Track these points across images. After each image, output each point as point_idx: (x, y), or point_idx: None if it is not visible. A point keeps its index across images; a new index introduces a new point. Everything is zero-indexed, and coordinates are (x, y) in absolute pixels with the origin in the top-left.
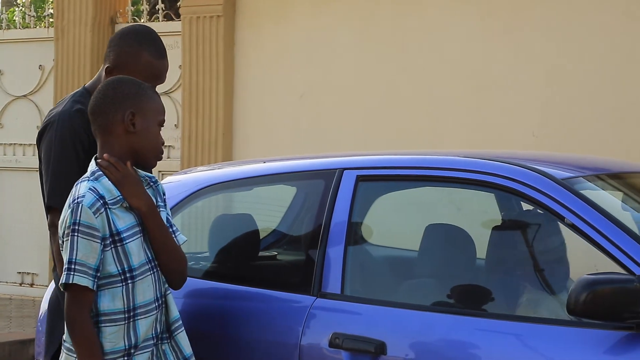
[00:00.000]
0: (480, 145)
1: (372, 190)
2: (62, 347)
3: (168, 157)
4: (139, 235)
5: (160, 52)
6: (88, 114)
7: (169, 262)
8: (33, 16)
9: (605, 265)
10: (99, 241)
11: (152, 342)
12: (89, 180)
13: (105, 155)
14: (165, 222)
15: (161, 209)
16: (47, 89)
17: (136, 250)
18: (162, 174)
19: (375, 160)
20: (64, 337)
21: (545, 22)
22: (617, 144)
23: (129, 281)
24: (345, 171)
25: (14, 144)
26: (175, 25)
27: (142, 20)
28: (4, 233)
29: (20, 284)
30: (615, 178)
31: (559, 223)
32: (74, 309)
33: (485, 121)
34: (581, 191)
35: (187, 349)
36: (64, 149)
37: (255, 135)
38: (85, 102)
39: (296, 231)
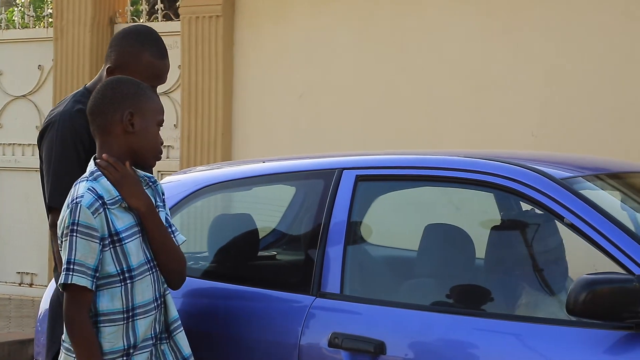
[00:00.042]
0: (479, 145)
1: (371, 190)
2: (62, 347)
3: (167, 157)
4: (138, 235)
5: (161, 52)
6: (87, 114)
7: (168, 262)
8: (32, 16)
9: (605, 265)
10: (98, 241)
11: (151, 342)
12: (87, 180)
13: (104, 155)
14: (164, 222)
15: (160, 209)
16: (46, 89)
17: (135, 251)
18: (161, 174)
19: (374, 160)
20: (63, 337)
21: (544, 22)
22: (617, 144)
23: (128, 281)
24: (344, 171)
25: (13, 144)
26: (174, 25)
27: (141, 20)
28: (3, 233)
29: (20, 284)
30: (614, 178)
31: (558, 223)
32: (73, 309)
33: (484, 121)
34: (580, 191)
35: (186, 349)
36: (64, 149)
37: (254, 135)
38: (87, 102)
39: (295, 231)
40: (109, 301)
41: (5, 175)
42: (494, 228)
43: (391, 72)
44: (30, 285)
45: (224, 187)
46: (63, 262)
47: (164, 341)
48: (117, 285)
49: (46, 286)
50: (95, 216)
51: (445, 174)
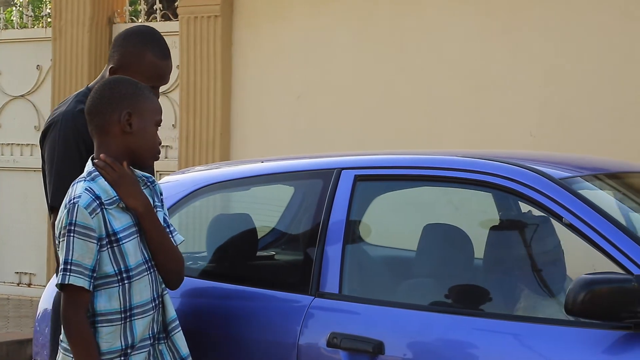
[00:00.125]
0: (478, 145)
1: (370, 190)
2: (60, 347)
3: (166, 157)
4: (136, 235)
5: (164, 52)
6: (85, 114)
7: (166, 263)
8: (31, 16)
9: (603, 265)
10: (95, 241)
11: (149, 342)
12: (85, 180)
13: (101, 155)
14: (162, 222)
15: (158, 209)
16: (44, 89)
17: (133, 251)
18: (160, 174)
19: (373, 160)
20: (61, 337)
21: (543, 22)
22: (615, 144)
23: (126, 281)
24: (343, 171)
25: (12, 144)
26: (172, 25)
27: (140, 20)
28: (2, 233)
29: (18, 284)
30: (613, 178)
31: (557, 223)
32: (70, 309)
33: (483, 121)
34: (579, 191)
35: (184, 349)
36: (67, 149)
37: (252, 135)
38: None
39: (294, 231)
40: (107, 301)
41: (4, 175)
42: (493, 228)
43: (390, 72)
44: (29, 285)
45: (222, 187)
46: (60, 262)
47: (162, 341)
48: (115, 285)
49: (44, 286)
50: (92, 216)
51: (444, 174)
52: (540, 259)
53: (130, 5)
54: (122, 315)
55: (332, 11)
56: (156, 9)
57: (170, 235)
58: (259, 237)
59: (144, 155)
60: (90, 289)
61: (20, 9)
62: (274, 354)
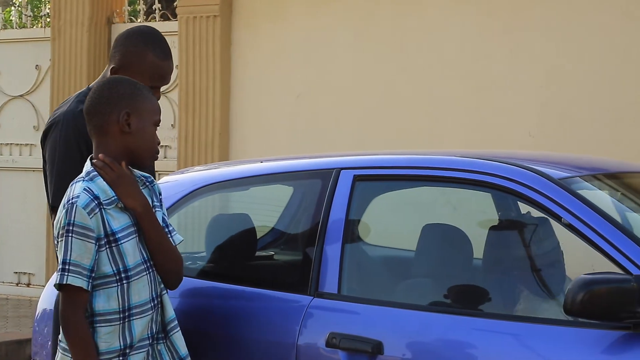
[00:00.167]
0: (479, 145)
1: (369, 190)
2: (58, 347)
3: (165, 157)
4: (134, 235)
5: (165, 53)
6: (84, 114)
7: (164, 263)
8: (30, 16)
9: (602, 265)
10: (94, 242)
11: (147, 342)
12: (83, 180)
13: (100, 155)
14: (161, 222)
15: (157, 209)
16: (43, 89)
17: (131, 251)
18: (159, 174)
19: (372, 160)
20: (60, 337)
21: (544, 22)
22: (615, 144)
23: (124, 281)
24: (342, 171)
25: (11, 143)
26: (172, 25)
27: (139, 20)
28: (1, 233)
29: (17, 284)
30: (612, 178)
31: (556, 223)
32: (69, 309)
33: (484, 121)
34: (578, 191)
35: (182, 349)
36: (68, 149)
37: (252, 135)
38: None
39: (293, 231)
40: (105, 301)
41: (3, 175)
42: (492, 228)
43: (390, 72)
44: (28, 285)
45: (221, 187)
46: (58, 262)
47: (161, 341)
48: (113, 285)
49: (44, 286)
50: (91, 216)
51: (443, 174)
52: (539, 259)
53: (129, 5)
54: (121, 315)
55: (331, 11)
56: (155, 9)
57: (169, 235)
58: (258, 237)
59: (143, 155)
60: (89, 289)
61: (19, 8)
62: (273, 354)
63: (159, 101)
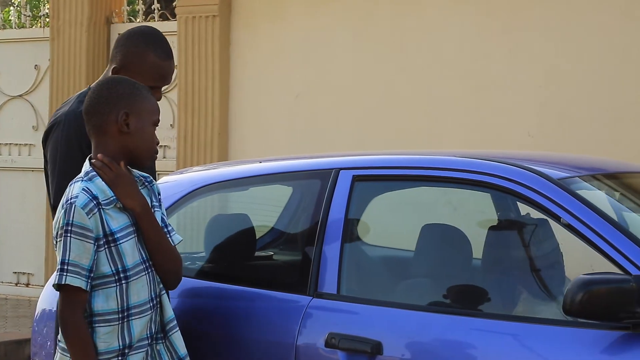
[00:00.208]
0: (478, 145)
1: (368, 190)
2: (57, 347)
3: (164, 157)
4: (133, 235)
5: (166, 53)
6: (83, 114)
7: (163, 263)
8: (29, 16)
9: (602, 265)
10: (92, 242)
11: (146, 342)
12: (82, 180)
13: (99, 155)
14: (160, 222)
15: (156, 209)
16: (42, 88)
17: (130, 251)
18: (158, 174)
19: (371, 160)
20: (59, 337)
21: (543, 22)
22: (614, 144)
23: (123, 281)
24: (341, 171)
25: (10, 143)
26: (171, 25)
27: (138, 20)
28: (0, 233)
29: (16, 284)
30: (611, 178)
31: (555, 223)
32: (67, 309)
33: (483, 121)
34: (577, 191)
35: (181, 349)
36: (69, 149)
37: (251, 135)
38: None
39: (292, 231)
40: (104, 301)
41: (2, 175)
42: (491, 228)
43: (390, 72)
44: (27, 285)
45: (220, 187)
46: (57, 262)
47: (160, 341)
48: (112, 285)
49: (43, 286)
50: (89, 217)
51: (442, 174)
52: (538, 259)
53: (128, 5)
54: (120, 316)
55: (331, 11)
56: (154, 9)
57: (168, 235)
58: (257, 238)
59: (142, 155)
60: (88, 289)
61: (18, 8)
62: (273, 354)
63: (159, 101)
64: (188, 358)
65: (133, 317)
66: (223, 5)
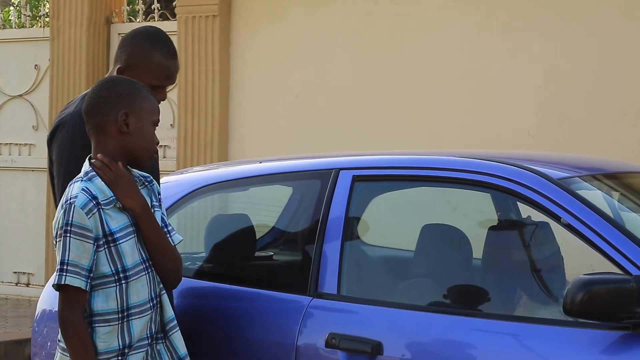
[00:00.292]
0: (478, 145)
1: (368, 191)
2: (57, 347)
3: (164, 157)
4: (133, 235)
5: (171, 52)
6: (82, 114)
7: (163, 263)
8: (29, 16)
9: (602, 265)
10: (92, 242)
11: (146, 342)
12: (82, 180)
13: (98, 155)
14: (160, 222)
15: (156, 209)
16: (42, 88)
17: (130, 251)
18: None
19: (371, 160)
20: (59, 337)
21: (543, 22)
22: (614, 144)
23: (123, 281)
24: (341, 171)
25: (10, 143)
26: (170, 25)
27: (138, 20)
28: (0, 233)
29: (16, 284)
30: (611, 178)
31: (555, 223)
32: (67, 309)
33: (483, 121)
34: (577, 191)
35: (182, 349)
36: (75, 150)
37: (251, 135)
38: None
39: (292, 231)
40: (104, 301)
41: (2, 175)
42: (491, 228)
43: (389, 72)
44: (27, 285)
45: (220, 188)
46: (57, 262)
47: (160, 341)
48: (112, 285)
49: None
50: (89, 217)
51: (442, 174)
52: (538, 259)
53: (128, 5)
54: (120, 315)
55: (330, 11)
56: (154, 9)
57: (168, 235)
58: (257, 238)
59: (141, 155)
60: (87, 289)
61: (18, 8)
62: (273, 354)
63: (164, 101)
64: (188, 358)
65: (133, 317)
66: (223, 5)
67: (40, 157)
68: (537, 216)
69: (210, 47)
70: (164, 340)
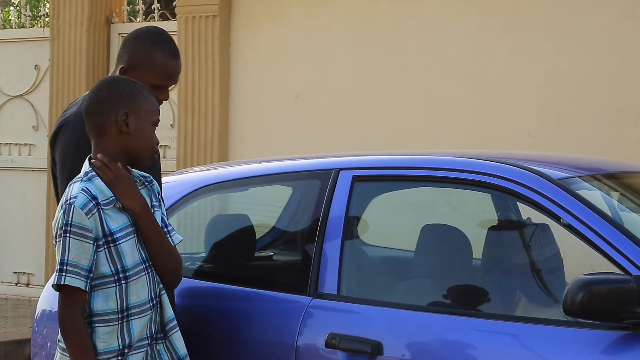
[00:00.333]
0: (478, 145)
1: (368, 191)
2: (57, 347)
3: (164, 157)
4: (133, 235)
5: (174, 52)
6: (82, 114)
7: (163, 263)
8: (29, 16)
9: (602, 266)
10: (91, 242)
11: (146, 342)
12: (82, 180)
13: (98, 155)
14: (160, 222)
15: (156, 209)
16: (42, 88)
17: (130, 251)
18: None
19: (371, 160)
20: (58, 337)
21: (543, 22)
22: (614, 144)
23: (123, 281)
24: (341, 171)
25: (10, 143)
26: (171, 25)
27: (138, 20)
28: (0, 233)
29: (16, 284)
30: (611, 178)
31: (555, 223)
32: (67, 310)
33: (483, 121)
34: (577, 191)
35: (181, 349)
36: (77, 150)
37: (251, 135)
38: None
39: (292, 231)
40: (104, 301)
41: (2, 175)
42: (491, 228)
43: (390, 72)
44: (27, 285)
45: (220, 188)
46: (56, 262)
47: (160, 341)
48: (112, 285)
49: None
50: (88, 217)
51: (442, 175)
52: (538, 259)
53: (128, 5)
54: (119, 316)
55: (331, 11)
56: (154, 9)
57: (168, 235)
58: (257, 238)
59: (141, 155)
60: (87, 290)
61: (18, 8)
62: (273, 354)
63: (167, 101)
64: (188, 358)
65: (133, 317)
66: (223, 5)
67: (40, 157)
68: (537, 216)
69: (210, 47)
70: (163, 341)
